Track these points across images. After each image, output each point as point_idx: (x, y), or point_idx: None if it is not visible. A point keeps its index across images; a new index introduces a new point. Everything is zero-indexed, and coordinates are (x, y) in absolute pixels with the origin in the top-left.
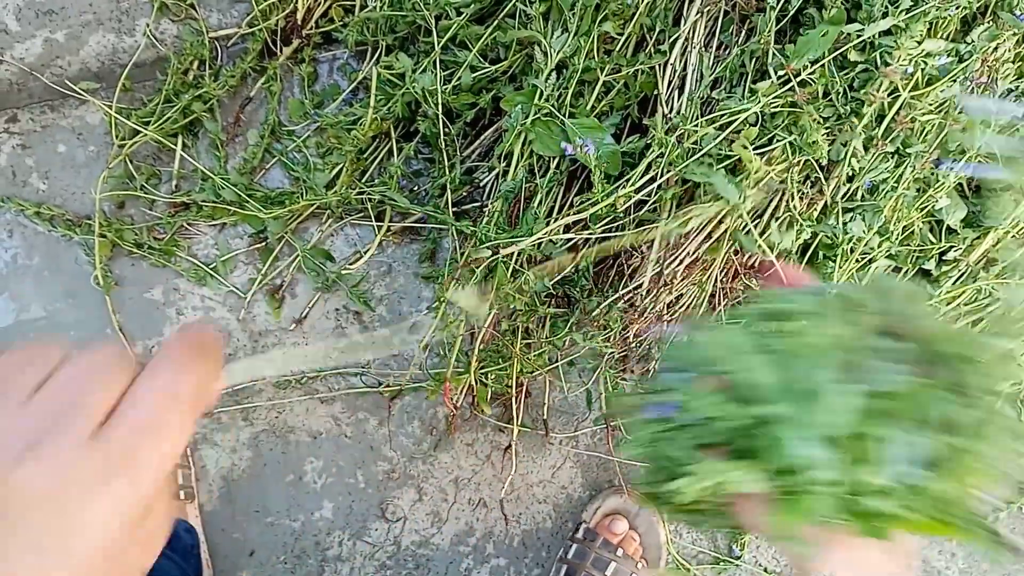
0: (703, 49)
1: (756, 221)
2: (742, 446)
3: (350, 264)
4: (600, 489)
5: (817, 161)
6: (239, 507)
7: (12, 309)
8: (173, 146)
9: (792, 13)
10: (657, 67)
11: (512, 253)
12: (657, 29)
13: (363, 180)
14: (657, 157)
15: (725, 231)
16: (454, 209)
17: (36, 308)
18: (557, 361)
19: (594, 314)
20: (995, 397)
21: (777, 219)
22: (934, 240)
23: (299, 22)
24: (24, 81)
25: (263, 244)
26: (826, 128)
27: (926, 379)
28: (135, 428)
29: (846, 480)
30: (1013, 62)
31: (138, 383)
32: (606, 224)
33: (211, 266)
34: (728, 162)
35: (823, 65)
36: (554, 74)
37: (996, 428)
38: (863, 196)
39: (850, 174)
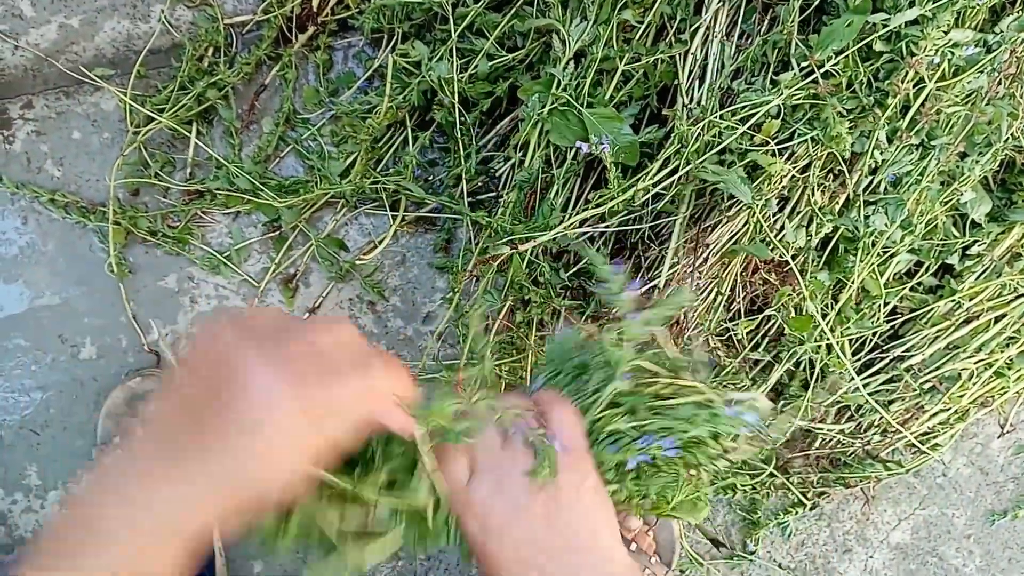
0: (724, 38)
1: (776, 216)
2: None
3: (364, 254)
4: None
5: (840, 154)
6: None
7: (26, 295)
8: (187, 133)
9: (817, 2)
10: (677, 56)
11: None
12: (678, 17)
13: (378, 169)
14: (677, 151)
15: (746, 230)
16: (469, 199)
17: (50, 295)
18: None
19: (611, 307)
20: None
21: (798, 213)
22: (958, 234)
23: (314, 9)
24: (39, 67)
25: (277, 233)
26: (849, 120)
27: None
28: None
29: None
30: None
31: None
32: (623, 216)
33: (225, 255)
34: (748, 159)
35: (847, 56)
36: (572, 63)
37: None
38: (886, 189)
39: (873, 166)
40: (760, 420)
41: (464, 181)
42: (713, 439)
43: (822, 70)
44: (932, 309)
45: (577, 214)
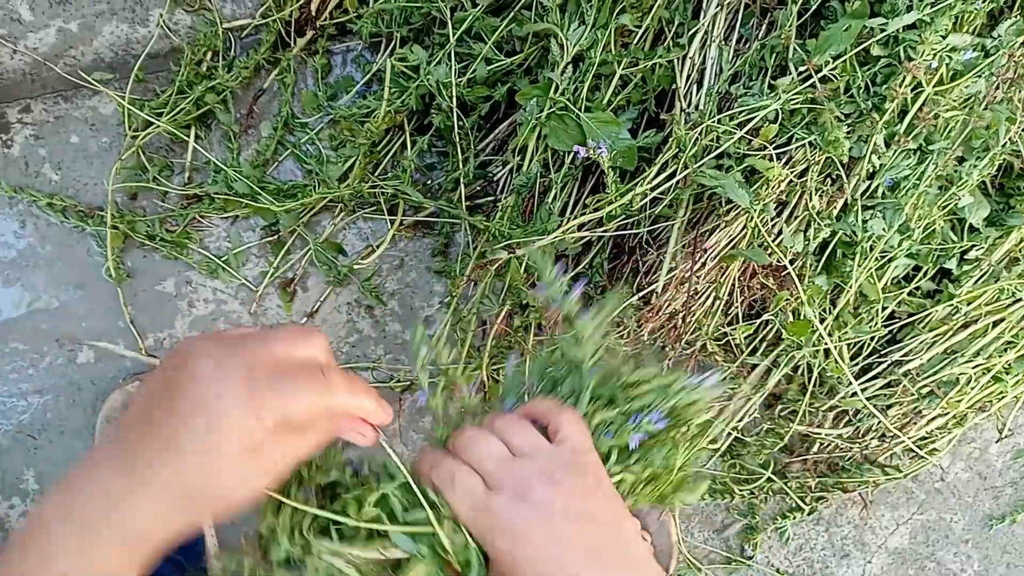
0: (723, 43)
1: (774, 221)
2: None
3: (362, 258)
4: None
5: (837, 158)
6: None
7: (24, 299)
8: (186, 138)
9: (814, 7)
10: (675, 61)
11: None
12: (676, 22)
13: (376, 173)
14: (675, 155)
15: (744, 234)
16: (467, 203)
17: (48, 298)
18: None
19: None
20: None
21: (796, 218)
22: (956, 239)
23: (313, 13)
24: (37, 71)
25: (275, 237)
26: (847, 125)
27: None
28: None
29: None
30: None
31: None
32: (621, 221)
33: (223, 259)
34: (746, 164)
35: (845, 60)
36: (570, 67)
37: None
38: (884, 194)
39: (871, 171)
40: (716, 385)
41: (462, 185)
42: (688, 407)
43: (820, 75)
44: (930, 314)
45: (575, 218)
